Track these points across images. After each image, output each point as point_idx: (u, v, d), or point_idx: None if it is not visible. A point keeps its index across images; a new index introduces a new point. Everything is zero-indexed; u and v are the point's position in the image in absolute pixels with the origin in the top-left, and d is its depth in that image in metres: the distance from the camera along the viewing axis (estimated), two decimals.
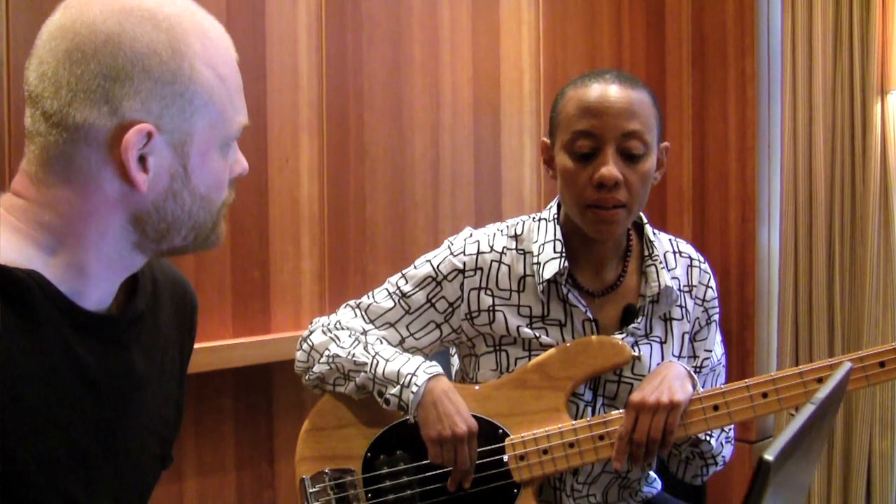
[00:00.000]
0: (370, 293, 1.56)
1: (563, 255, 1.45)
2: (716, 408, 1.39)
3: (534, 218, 1.53)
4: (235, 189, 0.96)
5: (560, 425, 1.42)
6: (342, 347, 1.47)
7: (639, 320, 1.47)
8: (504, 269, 1.49)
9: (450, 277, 1.49)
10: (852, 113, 2.44)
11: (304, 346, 1.54)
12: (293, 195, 1.98)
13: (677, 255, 1.55)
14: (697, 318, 1.54)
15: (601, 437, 1.40)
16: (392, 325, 1.52)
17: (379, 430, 1.49)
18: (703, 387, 1.49)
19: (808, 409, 0.80)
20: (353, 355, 1.45)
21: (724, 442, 1.52)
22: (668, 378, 1.39)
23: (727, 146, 2.62)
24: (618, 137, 1.37)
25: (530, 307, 1.47)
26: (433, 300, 1.50)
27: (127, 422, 0.92)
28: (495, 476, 1.43)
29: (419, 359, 1.44)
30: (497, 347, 1.49)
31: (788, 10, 2.51)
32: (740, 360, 2.57)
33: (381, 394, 1.43)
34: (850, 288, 2.49)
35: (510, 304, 1.48)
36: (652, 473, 1.62)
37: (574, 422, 1.42)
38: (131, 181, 0.83)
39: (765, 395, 1.39)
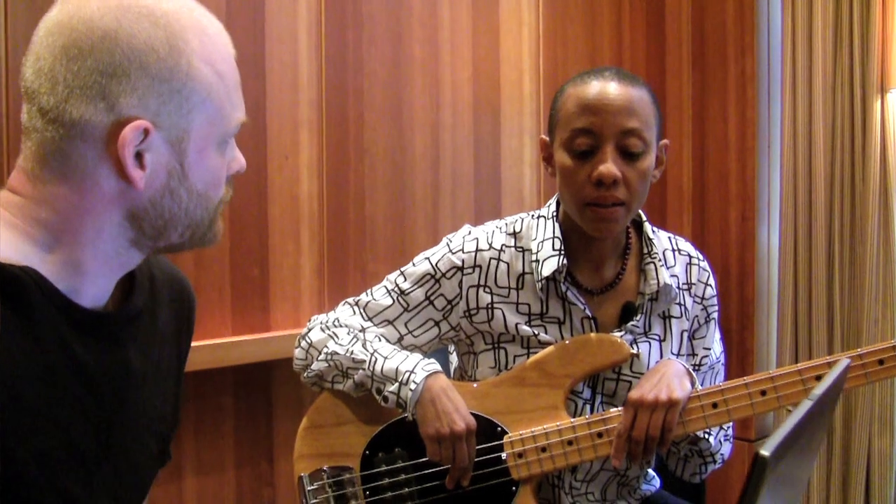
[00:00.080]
0: (369, 290, 1.55)
1: (562, 252, 1.45)
2: (714, 405, 1.39)
3: (533, 215, 1.53)
4: (233, 186, 0.96)
5: (559, 423, 1.42)
6: (340, 345, 1.47)
7: (637, 318, 1.47)
8: (503, 266, 1.49)
9: (448, 275, 1.49)
10: (852, 112, 2.44)
11: (303, 343, 1.54)
12: (293, 193, 1.98)
13: (676, 252, 1.55)
14: (696, 315, 1.53)
15: (600, 435, 1.40)
16: (390, 322, 1.51)
17: (377, 427, 1.49)
18: (701, 385, 1.49)
19: (805, 405, 0.79)
20: (352, 353, 1.45)
21: (722, 440, 1.52)
22: (667, 376, 1.39)
23: (727, 146, 2.62)
24: (617, 135, 1.37)
25: (529, 305, 1.47)
26: (432, 298, 1.50)
27: (125, 420, 0.92)
28: (494, 474, 1.43)
29: (417, 356, 1.44)
30: (496, 345, 1.49)
31: (788, 9, 2.51)
32: (740, 359, 2.56)
33: (379, 391, 1.43)
34: (850, 287, 2.49)
35: (509, 301, 1.48)
36: (651, 471, 1.61)
37: (573, 419, 1.42)
38: (128, 178, 0.83)
39: (763, 392, 1.39)
